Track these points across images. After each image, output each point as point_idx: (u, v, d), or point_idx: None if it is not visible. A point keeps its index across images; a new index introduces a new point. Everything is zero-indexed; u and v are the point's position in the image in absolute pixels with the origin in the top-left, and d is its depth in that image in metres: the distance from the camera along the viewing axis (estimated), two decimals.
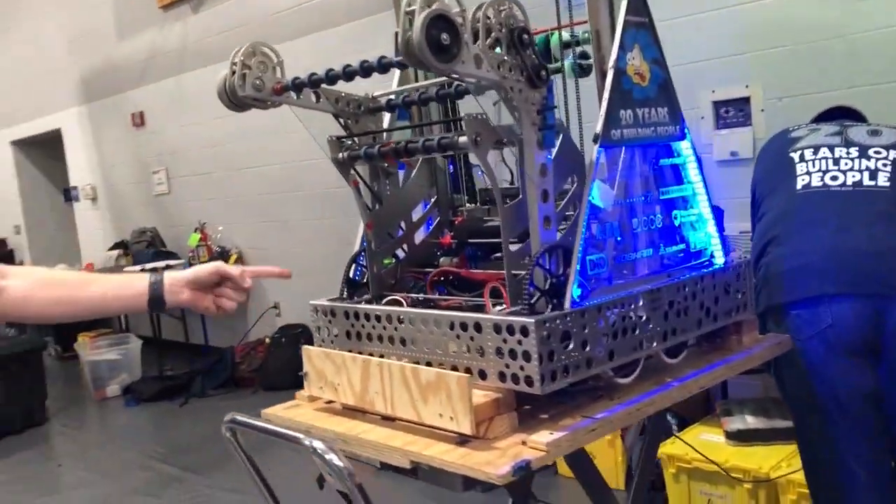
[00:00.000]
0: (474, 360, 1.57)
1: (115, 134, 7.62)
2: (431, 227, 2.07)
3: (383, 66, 1.60)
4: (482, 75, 1.49)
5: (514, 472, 1.38)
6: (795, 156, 2.38)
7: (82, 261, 8.04)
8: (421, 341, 1.69)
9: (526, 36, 1.53)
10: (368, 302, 1.87)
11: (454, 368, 1.58)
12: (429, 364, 1.65)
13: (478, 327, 1.56)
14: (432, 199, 2.08)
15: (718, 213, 2.50)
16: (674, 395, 1.72)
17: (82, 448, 5.00)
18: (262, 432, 1.53)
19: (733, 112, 3.56)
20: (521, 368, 1.49)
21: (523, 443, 1.47)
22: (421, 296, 1.86)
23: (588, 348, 1.57)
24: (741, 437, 2.97)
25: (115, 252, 7.27)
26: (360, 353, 1.80)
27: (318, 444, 1.38)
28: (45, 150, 9.10)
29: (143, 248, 6.84)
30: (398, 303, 1.83)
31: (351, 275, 1.96)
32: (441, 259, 1.98)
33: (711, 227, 1.88)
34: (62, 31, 7.88)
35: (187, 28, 6.57)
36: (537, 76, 1.55)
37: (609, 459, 3.45)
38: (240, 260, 6.41)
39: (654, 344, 1.72)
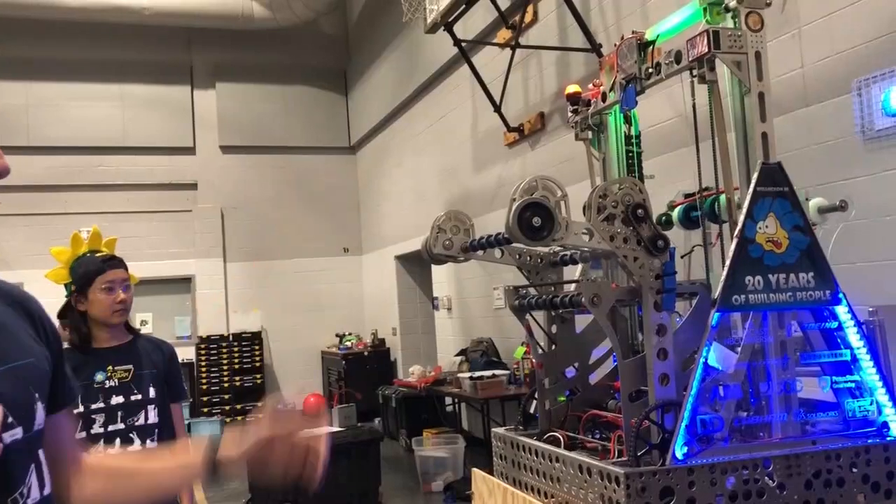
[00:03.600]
0: (589, 503, 1.72)
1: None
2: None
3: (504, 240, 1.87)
4: (593, 245, 1.70)
5: None
6: None
7: (436, 362, 9.08)
8: (566, 481, 1.87)
9: (641, 210, 1.71)
10: (534, 436, 2.10)
11: None
12: None
13: (589, 472, 1.71)
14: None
15: None
16: None
17: None
18: None
19: None
20: None
21: None
22: (577, 436, 2.03)
23: None
24: None
25: (459, 358, 8.11)
26: (520, 482, 2.03)
27: None
28: (419, 265, 10.55)
29: (478, 356, 7.55)
30: (557, 440, 2.03)
31: (531, 410, 2.21)
32: (610, 402, 2.14)
33: (882, 396, 1.78)
34: (434, 166, 9.26)
35: (526, 162, 7.34)
36: (654, 246, 1.71)
37: None
38: None
39: None
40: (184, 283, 11.42)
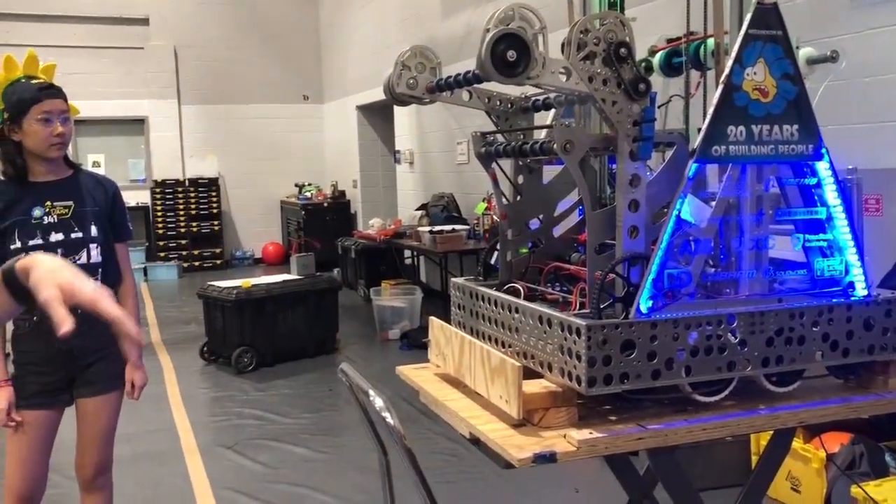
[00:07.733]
0: (548, 354, 1.68)
1: (432, 104, 8.39)
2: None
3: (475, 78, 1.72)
4: (570, 87, 1.57)
5: (534, 460, 1.49)
6: None
7: (396, 216, 9.02)
8: (525, 331, 1.82)
9: (624, 50, 1.57)
10: (494, 287, 2.03)
11: (544, 363, 1.68)
12: (530, 356, 1.76)
13: (549, 323, 1.66)
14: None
15: None
16: (757, 424, 1.66)
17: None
18: (349, 381, 1.80)
19: None
20: (574, 367, 1.57)
21: (564, 436, 1.56)
22: (538, 287, 1.98)
23: (656, 360, 1.59)
24: None
25: (419, 213, 8.06)
26: (478, 332, 1.99)
27: (378, 402, 1.60)
28: (381, 116, 10.28)
29: (439, 211, 7.50)
30: (517, 291, 1.98)
31: (492, 261, 2.14)
32: (573, 255, 2.07)
33: (852, 256, 1.73)
34: (398, 10, 8.82)
35: (500, 7, 7.00)
36: (635, 90, 1.59)
37: (815, 489, 3.21)
38: None
39: (749, 368, 1.67)
40: (137, 125, 11.01)
